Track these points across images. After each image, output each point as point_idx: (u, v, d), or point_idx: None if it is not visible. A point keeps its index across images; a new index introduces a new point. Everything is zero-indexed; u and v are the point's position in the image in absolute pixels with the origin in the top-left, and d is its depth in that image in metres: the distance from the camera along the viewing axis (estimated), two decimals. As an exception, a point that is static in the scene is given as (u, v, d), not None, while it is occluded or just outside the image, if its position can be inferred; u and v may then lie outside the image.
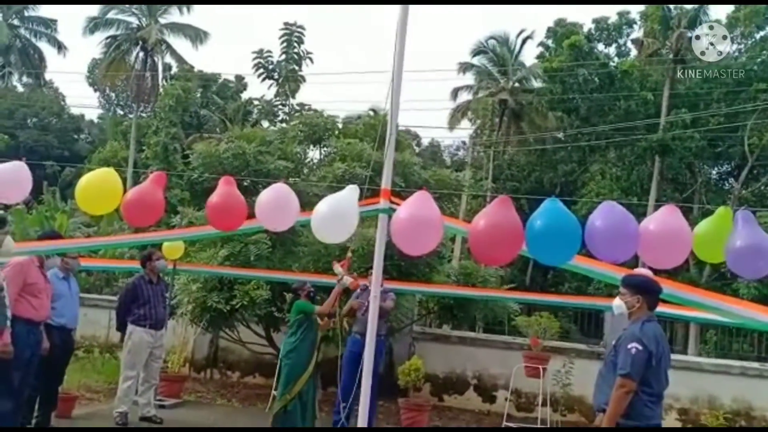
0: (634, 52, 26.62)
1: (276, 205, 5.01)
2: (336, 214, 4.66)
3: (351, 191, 4.77)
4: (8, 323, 5.17)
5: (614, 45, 27.32)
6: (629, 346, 4.31)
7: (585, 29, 26.64)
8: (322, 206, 4.68)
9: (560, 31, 26.53)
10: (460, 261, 12.06)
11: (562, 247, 3.87)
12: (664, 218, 4.09)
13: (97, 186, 5.00)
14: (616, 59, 26.58)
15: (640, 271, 5.06)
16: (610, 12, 27.67)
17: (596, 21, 26.83)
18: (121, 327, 7.57)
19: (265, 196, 5.00)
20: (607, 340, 9.69)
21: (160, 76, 31.22)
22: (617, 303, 4.59)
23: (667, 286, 4.57)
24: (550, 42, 27.51)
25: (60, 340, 6.49)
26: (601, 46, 26.97)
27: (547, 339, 9.12)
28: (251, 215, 5.61)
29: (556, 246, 3.88)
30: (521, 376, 9.05)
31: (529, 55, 29.81)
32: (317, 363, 7.12)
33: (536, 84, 27.73)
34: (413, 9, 5.09)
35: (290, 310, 7.77)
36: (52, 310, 6.24)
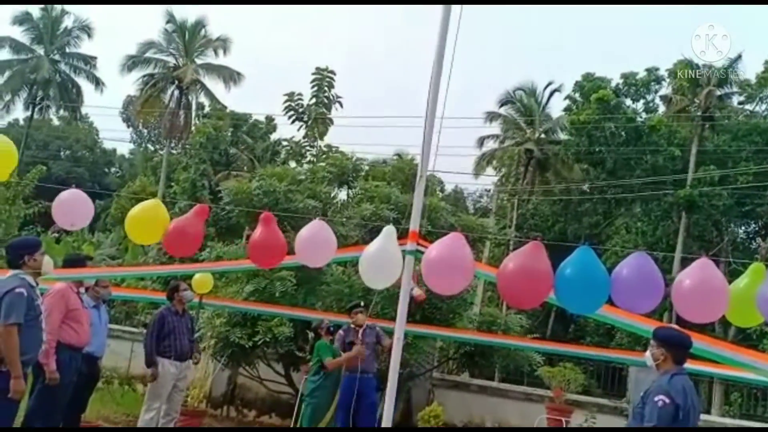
0: (662, 109, 26.70)
1: (315, 242, 5.10)
2: (385, 262, 4.72)
3: (390, 234, 4.82)
4: (43, 347, 5.26)
5: (642, 101, 27.46)
6: (656, 399, 4.26)
7: (613, 84, 26.85)
8: (371, 252, 4.75)
9: (588, 85, 26.77)
10: (482, 308, 12.00)
11: (591, 296, 3.88)
12: (701, 272, 4.06)
13: (146, 216, 5.15)
14: (643, 114, 26.68)
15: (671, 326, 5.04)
16: (638, 67, 27.80)
17: (624, 76, 27.06)
18: (151, 362, 7.42)
19: (305, 232, 5.10)
20: (631, 396, 9.53)
21: (193, 114, 31.93)
22: (647, 354, 4.56)
23: (698, 341, 4.53)
24: (577, 95, 27.74)
25: (87, 368, 6.54)
26: (628, 101, 27.12)
27: (570, 392, 9.00)
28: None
29: (586, 295, 3.89)
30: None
31: (556, 107, 30.06)
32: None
33: (562, 136, 27.88)
34: (446, 56, 5.23)
35: (312, 350, 7.81)
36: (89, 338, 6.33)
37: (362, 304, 8.20)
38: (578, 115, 25.43)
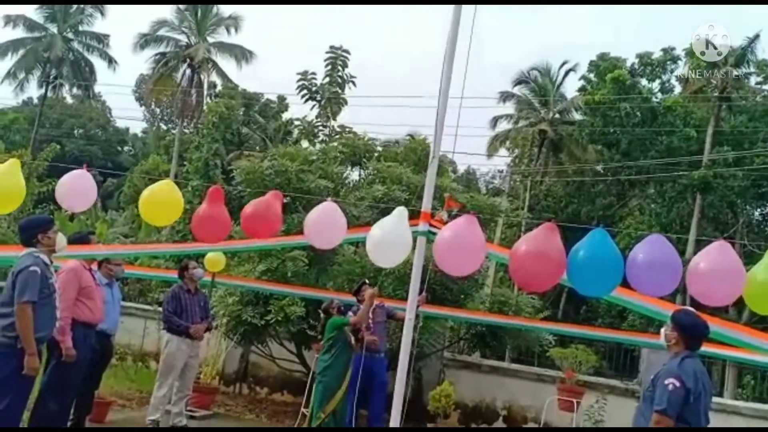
0: (678, 89, 26.36)
1: (324, 223, 5.09)
2: (392, 240, 4.71)
3: (400, 215, 4.81)
4: (58, 325, 5.31)
5: (657, 81, 27.10)
6: (666, 382, 4.24)
7: (628, 64, 26.51)
8: (377, 231, 4.74)
9: (603, 65, 26.44)
10: (493, 289, 11.96)
11: (604, 279, 3.85)
12: (717, 254, 4.01)
13: (160, 198, 5.17)
14: (659, 95, 26.35)
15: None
16: (654, 47, 27.51)
17: (640, 56, 26.69)
18: (180, 329, 7.53)
19: (314, 214, 5.10)
20: (643, 378, 9.50)
21: (205, 93, 31.90)
22: (663, 332, 4.54)
23: (712, 324, 4.50)
24: (592, 76, 27.43)
25: (100, 345, 6.62)
26: (644, 82, 26.77)
27: (581, 373, 8.98)
28: (289, 232, 5.77)
29: (599, 278, 3.86)
30: (553, 409, 8.91)
31: (571, 88, 29.78)
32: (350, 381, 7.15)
33: (577, 116, 27.63)
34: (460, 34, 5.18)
35: (323, 330, 7.84)
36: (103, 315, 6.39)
37: (367, 281, 8.23)
38: (593, 95, 25.16)
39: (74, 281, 5.93)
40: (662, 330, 4.55)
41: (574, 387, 8.52)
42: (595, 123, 25.25)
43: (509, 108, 29.43)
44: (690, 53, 25.02)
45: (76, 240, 6.19)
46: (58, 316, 5.24)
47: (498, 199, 11.85)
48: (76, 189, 5.27)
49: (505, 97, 28.86)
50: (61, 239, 5.23)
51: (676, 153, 23.58)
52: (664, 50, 26.56)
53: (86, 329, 6.04)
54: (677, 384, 4.20)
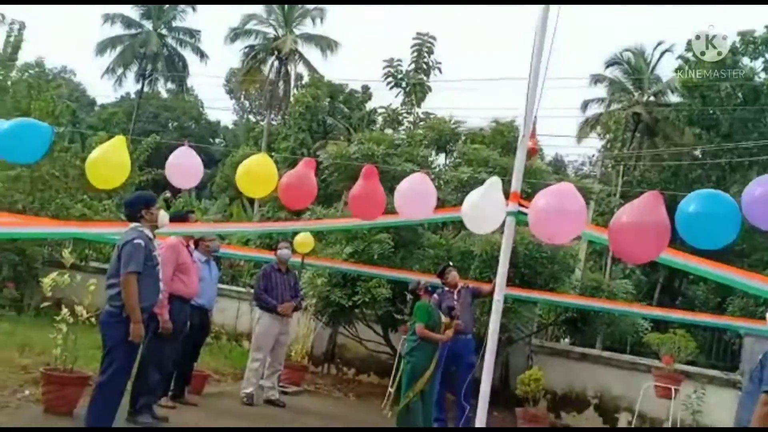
0: (785, 66, 24.70)
1: (416, 191, 5.09)
2: (486, 205, 4.64)
3: (494, 183, 4.73)
4: (161, 299, 5.56)
5: (761, 59, 25.45)
6: (777, 361, 3.98)
7: (729, 42, 25.04)
8: (472, 197, 4.69)
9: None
10: (584, 273, 11.64)
11: (720, 227, 3.65)
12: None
13: (256, 170, 5.33)
14: (762, 74, 24.76)
15: None
16: (757, 25, 25.77)
17: (742, 34, 25.14)
18: (269, 306, 7.76)
19: (405, 183, 5.10)
20: (745, 367, 9.00)
21: (292, 84, 32.55)
22: (769, 318, 4.27)
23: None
24: (690, 55, 26.07)
25: (198, 320, 6.88)
26: (746, 60, 25.21)
27: (680, 361, 8.58)
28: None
29: (714, 226, 3.67)
30: (648, 398, 8.56)
31: (667, 69, 28.48)
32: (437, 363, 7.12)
33: (673, 98, 26.40)
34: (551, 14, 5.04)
35: (411, 312, 7.84)
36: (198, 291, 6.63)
37: (451, 263, 8.16)
38: (691, 76, 23.92)
39: (172, 257, 6.19)
40: None
41: (672, 374, 8.13)
42: (693, 104, 24.01)
43: (601, 91, 28.50)
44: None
45: (175, 217, 6.45)
46: (161, 288, 5.48)
47: (589, 180, 11.47)
48: (184, 165, 5.50)
49: (596, 79, 27.94)
50: (163, 216, 5.47)
51: (783, 135, 22.14)
52: (768, 27, 24.90)
53: (182, 303, 6.30)
54: (787, 364, 3.93)
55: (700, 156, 25.03)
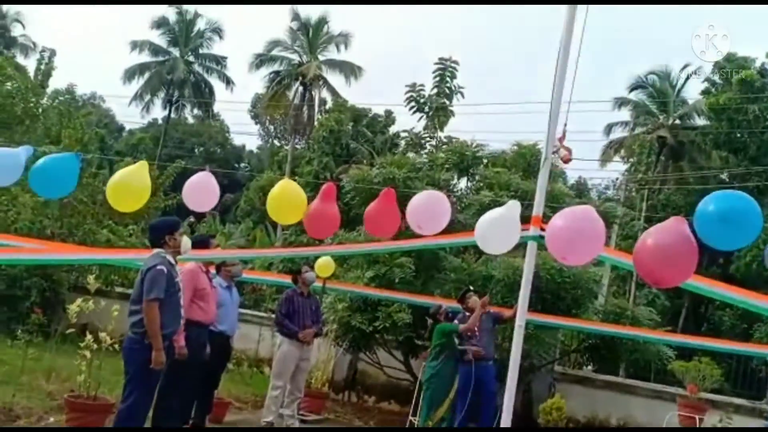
0: (814, 89, 24.34)
1: (429, 205, 5.14)
2: (500, 223, 4.64)
3: (511, 205, 4.73)
4: (182, 324, 5.60)
5: (791, 80, 25.13)
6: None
7: (758, 64, 24.76)
8: (487, 216, 4.69)
9: (729, 66, 24.84)
10: (607, 299, 11.47)
11: (740, 227, 3.61)
12: None
13: (286, 196, 5.41)
14: (792, 96, 24.43)
15: None
16: (786, 46, 25.62)
17: (770, 55, 24.88)
18: (291, 332, 7.76)
19: (418, 197, 5.18)
20: (773, 397, 8.81)
21: (316, 109, 32.90)
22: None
23: None
24: (716, 77, 25.85)
25: (219, 346, 6.88)
26: (774, 82, 24.90)
27: (705, 390, 8.40)
28: (398, 237, 5.86)
29: (734, 226, 3.62)
30: (673, 426, 8.38)
31: (693, 91, 28.20)
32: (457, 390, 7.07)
33: (699, 121, 26.15)
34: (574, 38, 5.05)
35: (431, 337, 7.81)
36: (216, 317, 6.66)
37: (471, 288, 8.14)
38: (718, 98, 23.67)
39: (190, 283, 6.21)
40: None
41: (697, 403, 7.97)
42: (720, 127, 23.73)
43: (624, 114, 28.36)
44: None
45: (196, 242, 6.51)
46: (182, 315, 5.52)
47: (613, 204, 11.38)
48: (201, 189, 5.57)
49: (620, 103, 27.82)
50: (186, 242, 5.55)
51: (811, 158, 21.76)
52: (798, 48, 24.65)
53: (199, 329, 6.28)
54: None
55: (727, 179, 24.67)
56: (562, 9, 5.06)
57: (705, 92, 26.30)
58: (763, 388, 10.35)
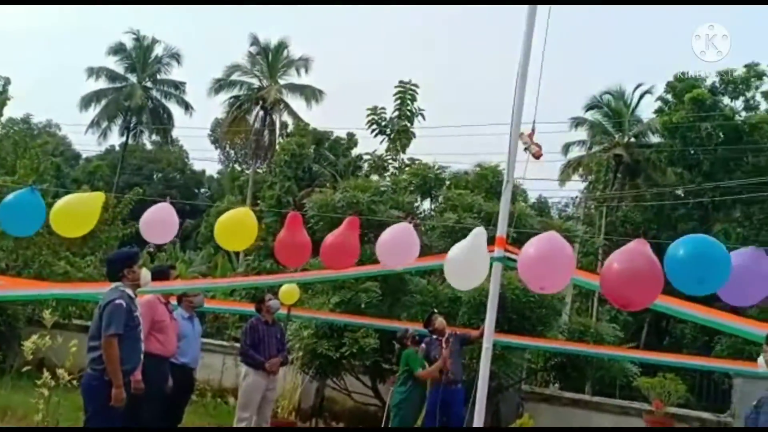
0: (764, 106, 25.23)
1: (397, 242, 5.10)
2: (469, 260, 4.61)
3: (478, 235, 4.71)
4: (141, 359, 5.43)
5: (741, 98, 26.01)
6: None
7: (708, 82, 25.57)
8: (455, 252, 4.66)
9: (680, 85, 25.59)
10: (571, 317, 11.59)
11: (711, 273, 3.67)
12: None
13: (235, 224, 5.32)
14: (743, 113, 25.26)
15: None
16: (737, 64, 26.34)
17: (721, 74, 25.72)
18: (256, 363, 7.59)
19: (388, 233, 5.12)
20: (736, 410, 8.94)
21: (277, 133, 32.80)
22: (761, 361, 4.25)
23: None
24: (669, 96, 26.61)
25: (182, 379, 6.71)
26: (726, 100, 25.74)
27: (670, 405, 8.51)
28: (363, 263, 5.80)
29: (704, 270, 3.68)
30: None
31: (647, 111, 29.01)
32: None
33: (654, 139, 26.85)
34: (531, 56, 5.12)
35: (398, 361, 7.76)
36: (177, 349, 6.50)
37: (435, 311, 8.14)
38: (671, 117, 24.34)
39: (147, 315, 6.03)
40: (760, 358, 4.27)
41: (663, 418, 8.06)
42: (674, 145, 24.39)
43: (581, 134, 28.96)
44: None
45: (155, 273, 6.35)
46: (143, 349, 5.37)
47: (572, 223, 11.55)
48: (159, 221, 5.46)
49: (577, 123, 28.41)
50: (145, 274, 5.41)
51: (764, 173, 22.43)
52: (748, 66, 25.50)
53: (158, 362, 6.10)
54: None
55: (682, 195, 25.31)
56: (522, 21, 5.11)
57: (658, 111, 27.06)
58: (727, 400, 10.52)
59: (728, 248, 3.90)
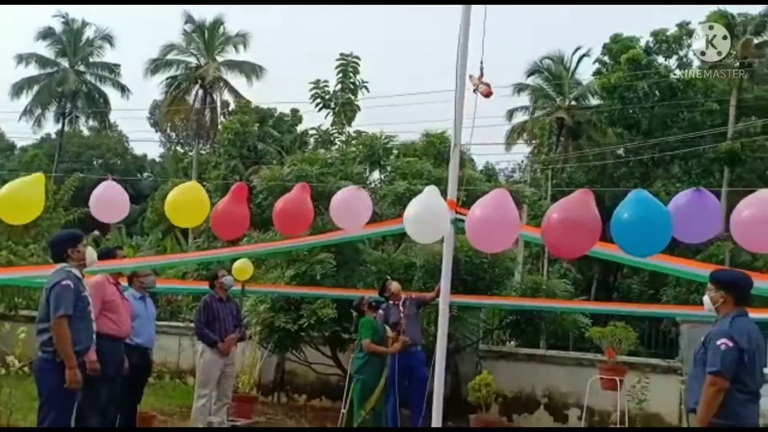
0: (696, 63, 26.03)
1: (350, 202, 5.09)
2: (430, 213, 4.61)
3: (431, 191, 4.71)
4: (94, 339, 5.30)
5: (675, 57, 26.74)
6: (718, 343, 4.12)
7: (642, 43, 26.16)
8: (414, 206, 4.65)
9: (616, 47, 26.13)
10: (523, 276, 11.83)
11: (654, 236, 3.77)
12: (759, 200, 3.92)
13: (186, 199, 5.19)
14: (677, 71, 26.00)
15: None
16: (669, 24, 27.12)
17: (654, 34, 26.35)
18: (211, 342, 7.48)
19: (340, 194, 5.09)
20: (684, 354, 9.30)
21: (219, 112, 32.16)
22: (706, 299, 4.42)
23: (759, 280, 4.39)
24: (606, 58, 27.15)
25: (138, 360, 6.58)
26: (660, 59, 26.41)
27: (621, 353, 8.79)
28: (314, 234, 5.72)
29: (649, 235, 3.78)
30: (595, 392, 8.73)
31: (586, 73, 29.57)
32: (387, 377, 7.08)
33: (594, 101, 27.42)
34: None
35: (356, 330, 7.79)
36: (131, 329, 6.36)
37: (389, 277, 8.21)
38: (609, 78, 24.87)
39: (97, 295, 5.84)
40: (705, 296, 4.43)
41: (616, 366, 8.32)
42: (613, 105, 24.98)
43: (524, 99, 29.34)
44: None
45: (102, 254, 6.17)
46: (94, 329, 5.23)
47: (522, 185, 11.73)
48: (109, 199, 5.30)
49: (519, 88, 28.75)
50: (90, 252, 5.26)
51: (700, 128, 23.22)
52: (679, 25, 26.18)
53: (112, 342, 5.92)
54: (730, 344, 4.08)
55: (623, 154, 26.01)
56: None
57: (597, 73, 27.62)
58: (675, 347, 10.95)
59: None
